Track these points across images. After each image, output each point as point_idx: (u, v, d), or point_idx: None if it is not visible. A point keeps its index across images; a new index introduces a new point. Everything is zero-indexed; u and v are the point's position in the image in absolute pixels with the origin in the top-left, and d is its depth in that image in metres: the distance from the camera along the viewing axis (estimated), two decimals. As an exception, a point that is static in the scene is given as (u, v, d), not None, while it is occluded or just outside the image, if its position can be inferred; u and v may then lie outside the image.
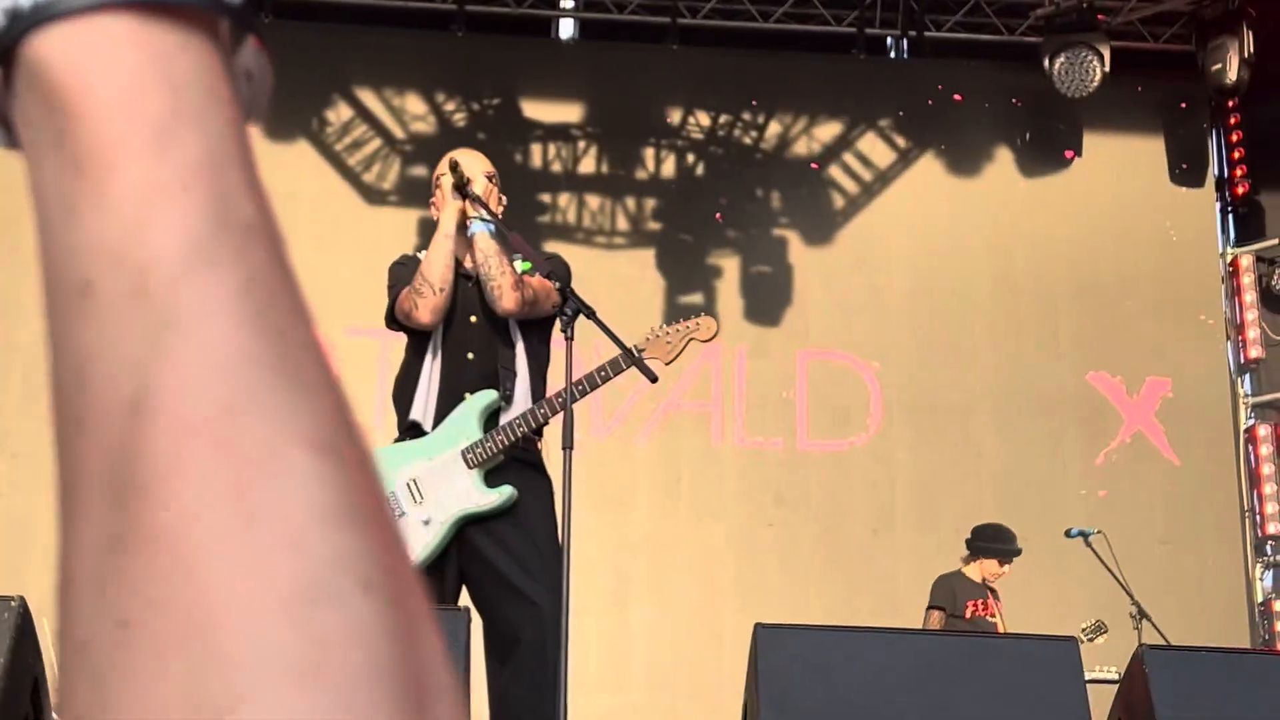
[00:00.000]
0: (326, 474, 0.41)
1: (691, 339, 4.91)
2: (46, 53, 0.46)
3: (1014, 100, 10.04)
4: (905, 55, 10.38)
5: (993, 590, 8.32)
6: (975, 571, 8.29)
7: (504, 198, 5.10)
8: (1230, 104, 9.91)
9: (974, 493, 9.31)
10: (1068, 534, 8.15)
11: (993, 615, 8.19)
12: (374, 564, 0.41)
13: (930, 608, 8.23)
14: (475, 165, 4.93)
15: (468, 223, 4.84)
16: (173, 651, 0.39)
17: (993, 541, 8.38)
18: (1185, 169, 10.15)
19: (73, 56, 0.45)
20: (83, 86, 0.45)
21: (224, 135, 0.46)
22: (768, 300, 9.68)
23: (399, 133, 9.73)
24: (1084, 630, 8.09)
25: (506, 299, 4.72)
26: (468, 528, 4.69)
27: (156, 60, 0.46)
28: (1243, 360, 9.81)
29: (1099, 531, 7.99)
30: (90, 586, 0.41)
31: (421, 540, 4.67)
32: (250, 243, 0.45)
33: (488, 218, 4.83)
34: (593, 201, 9.78)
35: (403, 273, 4.95)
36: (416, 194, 9.05)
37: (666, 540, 9.21)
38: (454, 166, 4.80)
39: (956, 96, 10.08)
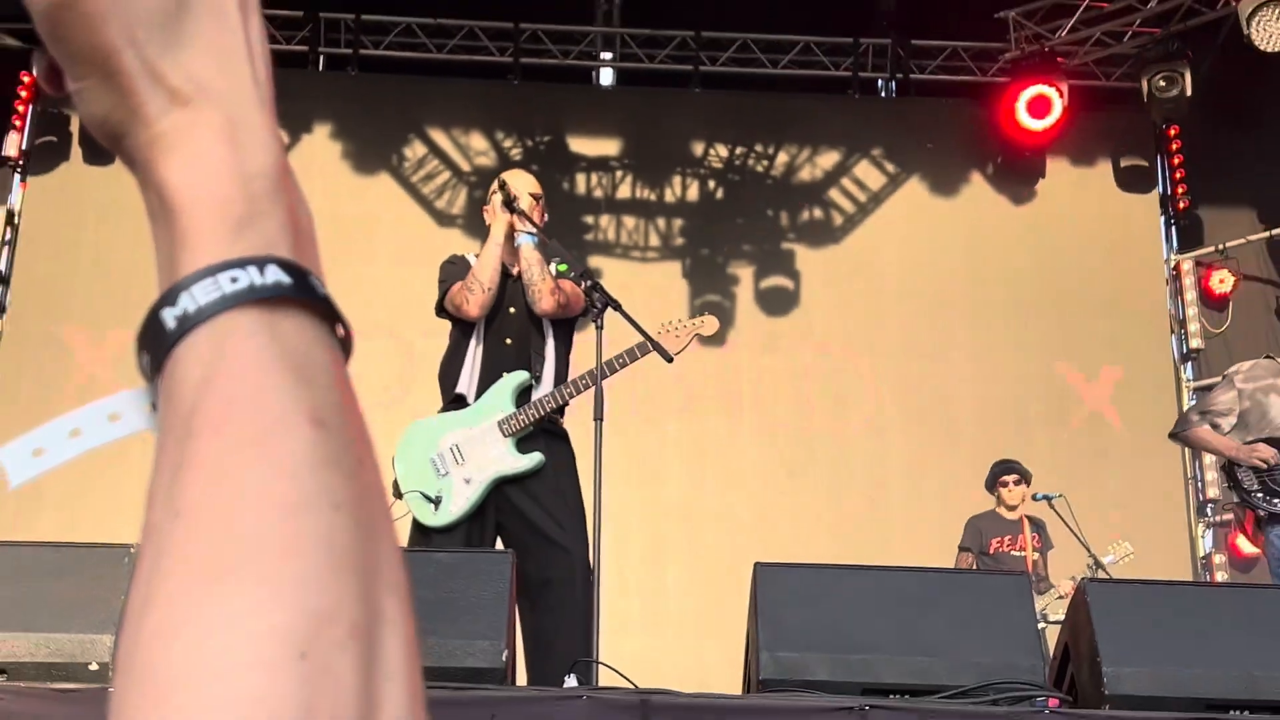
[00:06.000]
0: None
1: (696, 334, 4.98)
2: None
3: (985, 132, 10.08)
4: (894, 95, 10.43)
5: (1035, 522, 8.10)
6: (1006, 509, 8.19)
7: (546, 214, 5.20)
8: (1171, 131, 9.92)
9: (955, 470, 9.27)
10: (1034, 498, 8.17)
11: (1021, 549, 8.01)
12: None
13: (960, 549, 8.15)
14: (522, 184, 5.02)
15: (515, 234, 4.95)
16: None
17: (989, 472, 8.35)
18: (1132, 187, 10.19)
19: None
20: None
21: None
22: (778, 304, 9.76)
23: (465, 166, 9.88)
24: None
25: (545, 301, 4.85)
26: (504, 486, 4.77)
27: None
28: (1185, 350, 9.82)
29: (1061, 495, 8.03)
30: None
31: (464, 495, 4.74)
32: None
33: (531, 230, 4.95)
34: (629, 222, 9.89)
35: (453, 270, 5.07)
36: (481, 219, 9.03)
37: (696, 509, 9.28)
38: (503, 185, 4.93)
39: (937, 130, 10.14)
